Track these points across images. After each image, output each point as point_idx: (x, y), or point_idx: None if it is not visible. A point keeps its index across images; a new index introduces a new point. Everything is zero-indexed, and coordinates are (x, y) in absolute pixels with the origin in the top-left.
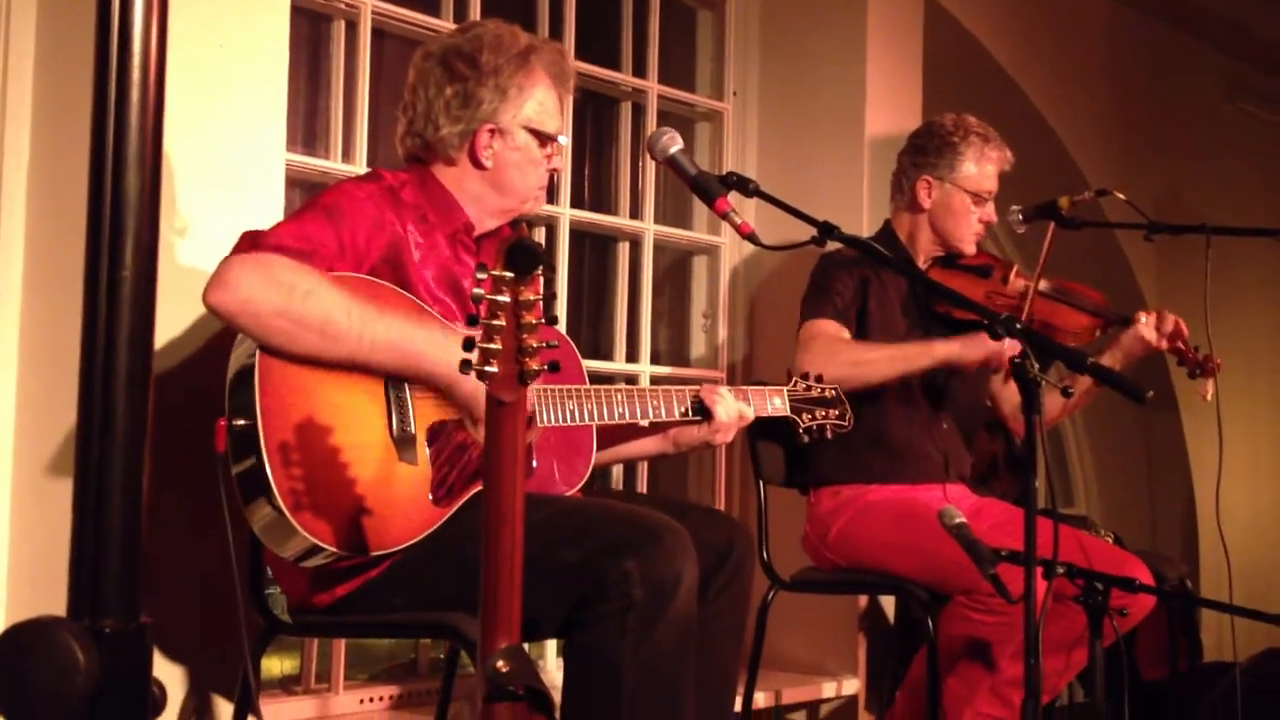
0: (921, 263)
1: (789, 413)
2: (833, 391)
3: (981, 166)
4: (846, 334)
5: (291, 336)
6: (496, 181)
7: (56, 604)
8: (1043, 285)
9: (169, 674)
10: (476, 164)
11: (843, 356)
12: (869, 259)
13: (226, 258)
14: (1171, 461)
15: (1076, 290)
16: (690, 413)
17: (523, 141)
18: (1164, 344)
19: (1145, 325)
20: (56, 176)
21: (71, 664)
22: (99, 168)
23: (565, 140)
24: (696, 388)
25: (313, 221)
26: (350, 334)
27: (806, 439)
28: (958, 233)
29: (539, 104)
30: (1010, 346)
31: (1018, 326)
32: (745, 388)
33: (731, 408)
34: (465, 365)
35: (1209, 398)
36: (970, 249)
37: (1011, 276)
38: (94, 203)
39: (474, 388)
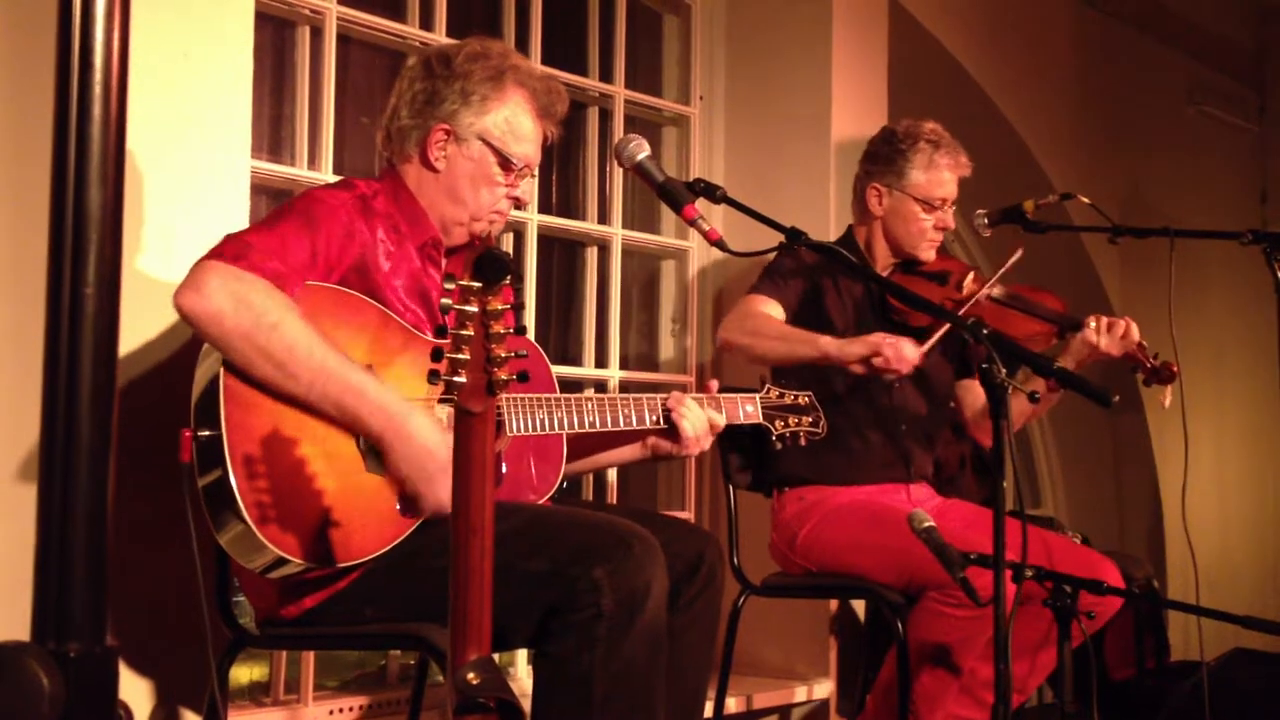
0: (881, 270)
1: (761, 420)
2: (806, 398)
3: (930, 174)
4: (779, 312)
5: (250, 362)
6: (449, 188)
7: (20, 625)
8: (998, 291)
9: (135, 687)
10: (428, 164)
11: (748, 324)
12: (828, 266)
13: (204, 260)
14: (1138, 462)
15: (1032, 297)
16: (662, 421)
17: (477, 152)
18: (1115, 350)
19: (1092, 330)
20: (19, 188)
21: (36, 690)
22: (60, 182)
23: (525, 186)
24: (667, 396)
25: (290, 230)
26: (304, 377)
27: (780, 446)
28: (909, 240)
29: (505, 122)
30: (899, 355)
31: (984, 332)
32: (718, 395)
33: (699, 420)
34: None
35: (1167, 405)
36: (926, 255)
37: (967, 282)
38: (56, 217)
39: (403, 454)
